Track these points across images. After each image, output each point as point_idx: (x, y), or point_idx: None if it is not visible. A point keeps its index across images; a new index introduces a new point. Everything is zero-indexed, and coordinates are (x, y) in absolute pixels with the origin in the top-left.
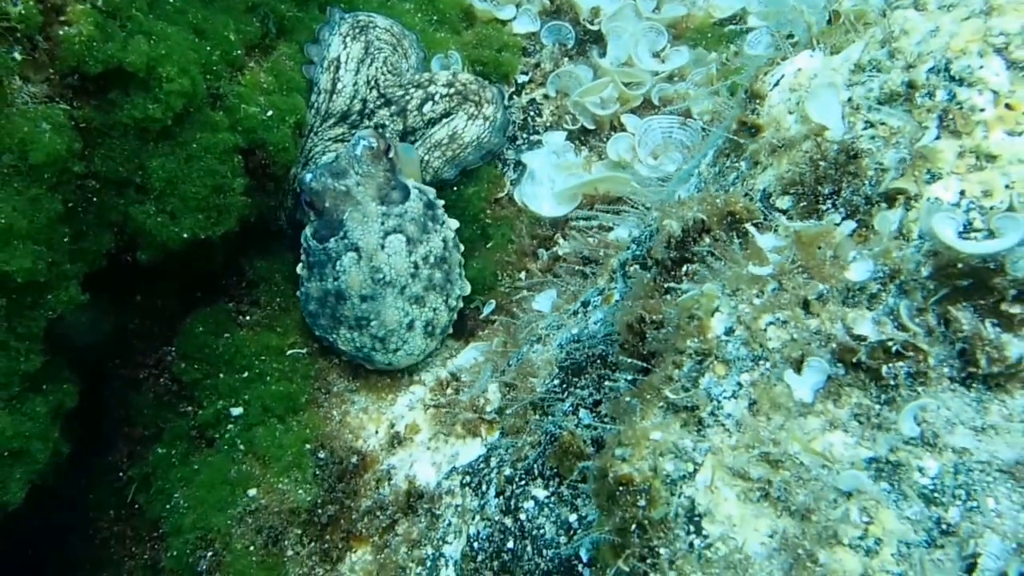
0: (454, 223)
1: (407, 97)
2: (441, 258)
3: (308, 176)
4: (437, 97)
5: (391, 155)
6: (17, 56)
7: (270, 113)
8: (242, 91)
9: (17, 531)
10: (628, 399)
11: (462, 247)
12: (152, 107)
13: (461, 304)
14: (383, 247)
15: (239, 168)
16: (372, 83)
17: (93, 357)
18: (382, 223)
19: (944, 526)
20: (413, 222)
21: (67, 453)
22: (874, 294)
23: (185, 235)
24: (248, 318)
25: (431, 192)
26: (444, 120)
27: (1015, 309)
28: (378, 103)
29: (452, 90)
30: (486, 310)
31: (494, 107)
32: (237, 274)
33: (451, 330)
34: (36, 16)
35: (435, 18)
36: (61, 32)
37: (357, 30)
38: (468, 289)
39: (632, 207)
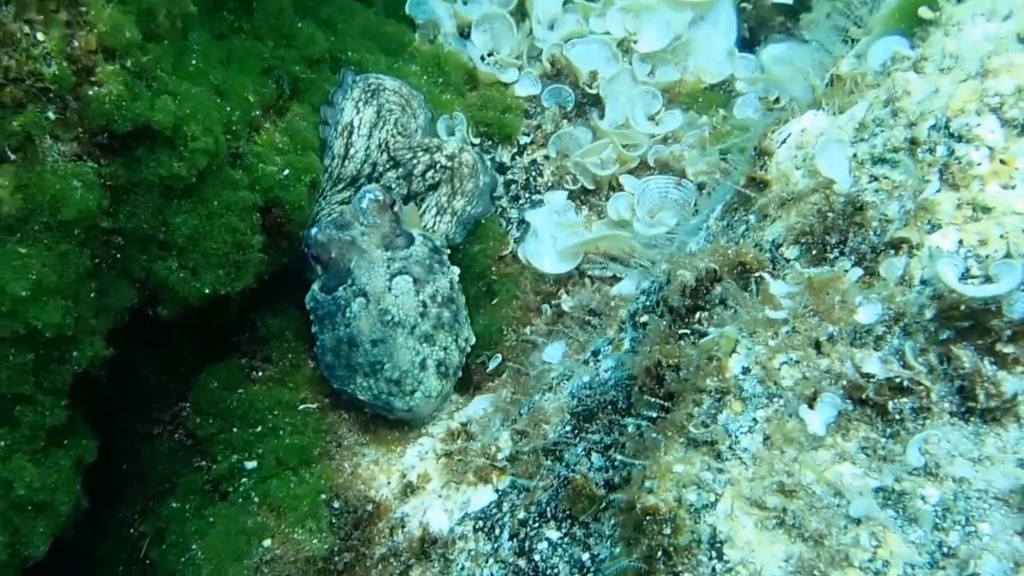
0: (456, 269)
1: (414, 160)
2: (449, 298)
3: (314, 230)
4: (438, 166)
5: (396, 208)
6: (51, 115)
7: (287, 172)
8: (260, 150)
9: None
10: (653, 435)
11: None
12: (177, 165)
13: (470, 348)
14: (390, 289)
15: (257, 225)
16: (383, 146)
17: (108, 412)
18: (388, 267)
19: (946, 549)
20: (419, 264)
21: (85, 508)
22: (880, 335)
23: (206, 290)
24: (261, 374)
25: (436, 239)
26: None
27: (1010, 349)
28: (387, 165)
29: (449, 163)
30: (492, 364)
31: (466, 202)
32: (250, 330)
33: (460, 374)
34: (69, 77)
35: (440, 80)
36: (91, 92)
37: (369, 94)
38: (473, 339)
39: (636, 263)
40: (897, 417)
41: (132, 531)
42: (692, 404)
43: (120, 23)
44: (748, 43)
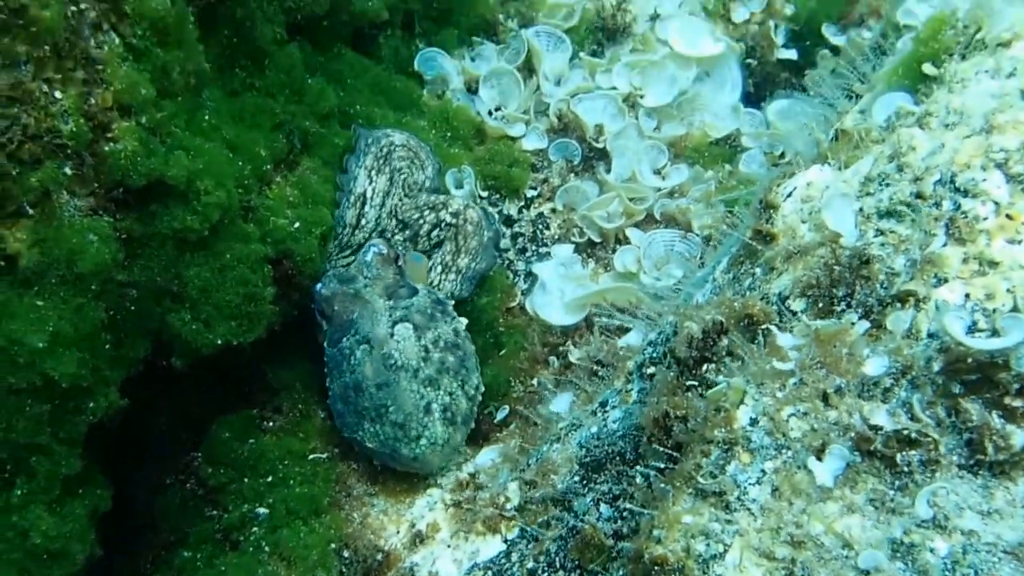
0: (464, 320)
1: (421, 220)
2: (453, 343)
3: (319, 286)
4: (443, 224)
5: (400, 262)
6: (68, 171)
7: (297, 225)
8: (271, 203)
9: None
10: (661, 485)
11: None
12: (190, 218)
13: (480, 396)
14: (392, 335)
15: (269, 277)
16: (393, 212)
17: (122, 461)
18: (390, 315)
19: None
20: (419, 312)
21: (100, 556)
22: (888, 388)
23: (218, 341)
24: (271, 424)
25: (441, 294)
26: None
27: (1018, 402)
28: (396, 229)
29: (453, 221)
30: (500, 415)
31: (470, 259)
32: (261, 381)
33: (473, 424)
34: (86, 133)
35: (448, 134)
36: (107, 148)
37: (381, 160)
38: (483, 387)
39: (643, 314)
40: (905, 469)
41: None
42: (700, 455)
43: (135, 81)
44: (753, 98)
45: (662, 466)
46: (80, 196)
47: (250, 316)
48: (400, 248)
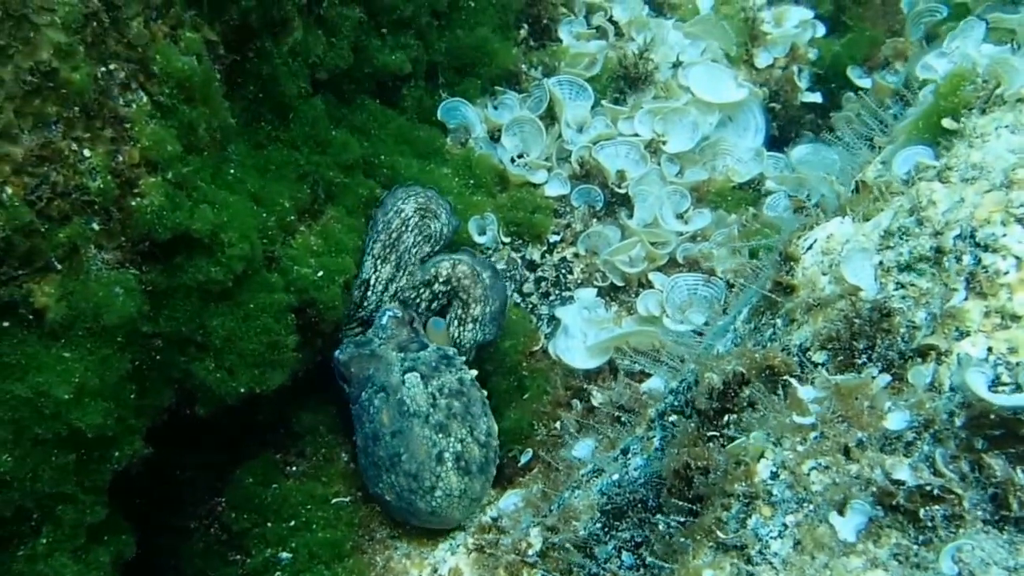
0: (472, 372)
1: (418, 299)
2: (457, 391)
3: (337, 352)
4: (440, 294)
5: (415, 324)
6: (95, 226)
7: (320, 273)
8: (295, 253)
9: None
10: (680, 539)
11: (484, 392)
12: (215, 270)
13: (495, 443)
14: (403, 383)
15: (292, 326)
16: (396, 293)
17: (145, 507)
18: (401, 364)
19: None
20: (425, 364)
21: None
22: (910, 442)
23: (241, 390)
24: (294, 468)
25: (452, 351)
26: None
27: None
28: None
29: (447, 287)
30: (523, 459)
31: (482, 305)
32: (284, 426)
33: (493, 472)
34: (112, 190)
35: (471, 182)
36: (134, 203)
37: (388, 249)
38: (495, 429)
39: (665, 360)
40: (929, 524)
41: None
42: (721, 508)
43: (162, 138)
44: (778, 142)
45: (682, 519)
46: (107, 250)
47: (273, 364)
48: (422, 316)
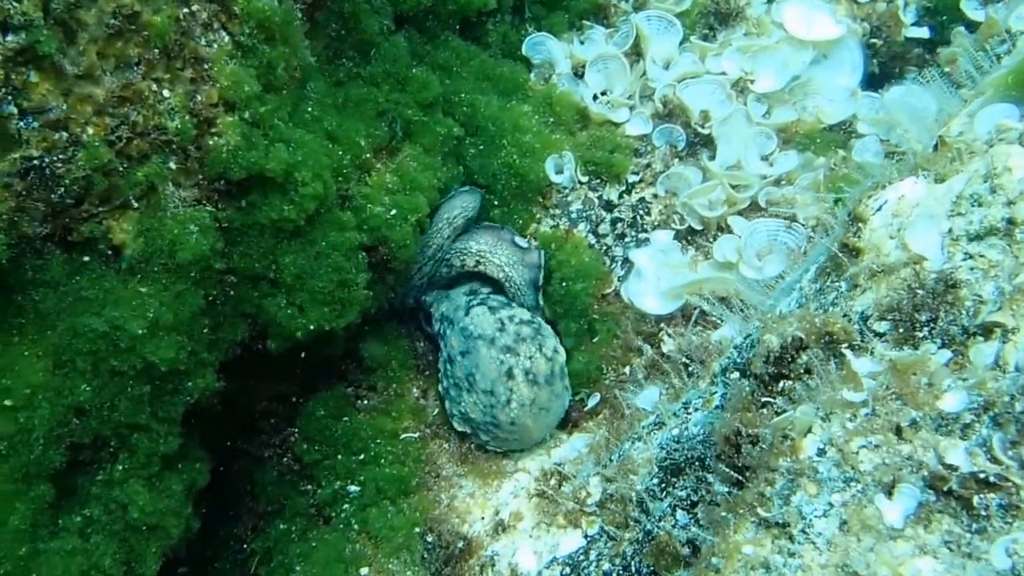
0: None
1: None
2: (527, 320)
3: (424, 296)
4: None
5: None
6: (172, 165)
7: (393, 212)
8: (369, 192)
9: None
10: (722, 513)
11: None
12: (287, 209)
13: (561, 359)
14: (467, 314)
15: (363, 264)
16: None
17: (224, 435)
18: (468, 302)
19: None
20: (495, 301)
21: (197, 528)
22: (968, 424)
23: (311, 327)
24: (365, 402)
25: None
26: None
27: None
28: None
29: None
30: (591, 402)
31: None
32: (356, 360)
33: (565, 383)
34: (190, 130)
35: (551, 120)
36: (211, 142)
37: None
38: (562, 350)
39: (738, 308)
40: (983, 513)
41: (245, 547)
42: (765, 483)
43: (240, 78)
44: (878, 79)
45: (728, 489)
46: (184, 187)
47: (343, 302)
48: None
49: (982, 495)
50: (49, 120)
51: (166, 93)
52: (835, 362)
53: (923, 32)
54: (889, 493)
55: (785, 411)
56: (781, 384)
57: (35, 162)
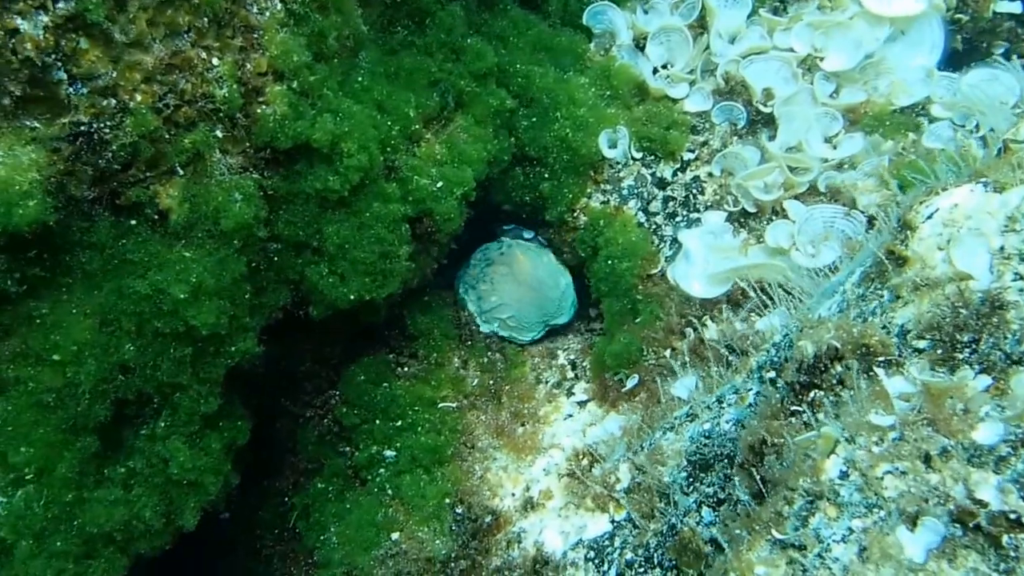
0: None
1: None
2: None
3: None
4: None
5: None
6: (219, 133)
7: (440, 184)
8: (416, 163)
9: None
10: (736, 531)
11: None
12: (332, 179)
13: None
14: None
15: (406, 236)
16: None
17: (268, 394)
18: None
19: None
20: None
21: (236, 484)
22: (1002, 457)
23: (352, 296)
24: (406, 369)
25: None
26: None
27: None
28: None
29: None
30: (629, 384)
31: None
32: (399, 327)
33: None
34: (237, 99)
35: (608, 93)
36: (259, 111)
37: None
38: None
39: (785, 299)
40: (1012, 554)
41: (286, 500)
42: (783, 502)
43: (290, 47)
44: (962, 57)
45: (748, 498)
46: (231, 155)
47: (384, 272)
48: None
49: (1011, 535)
50: (98, 87)
51: (215, 61)
52: (867, 379)
53: (1014, 7)
54: (913, 523)
55: (811, 424)
56: (812, 394)
57: (83, 128)
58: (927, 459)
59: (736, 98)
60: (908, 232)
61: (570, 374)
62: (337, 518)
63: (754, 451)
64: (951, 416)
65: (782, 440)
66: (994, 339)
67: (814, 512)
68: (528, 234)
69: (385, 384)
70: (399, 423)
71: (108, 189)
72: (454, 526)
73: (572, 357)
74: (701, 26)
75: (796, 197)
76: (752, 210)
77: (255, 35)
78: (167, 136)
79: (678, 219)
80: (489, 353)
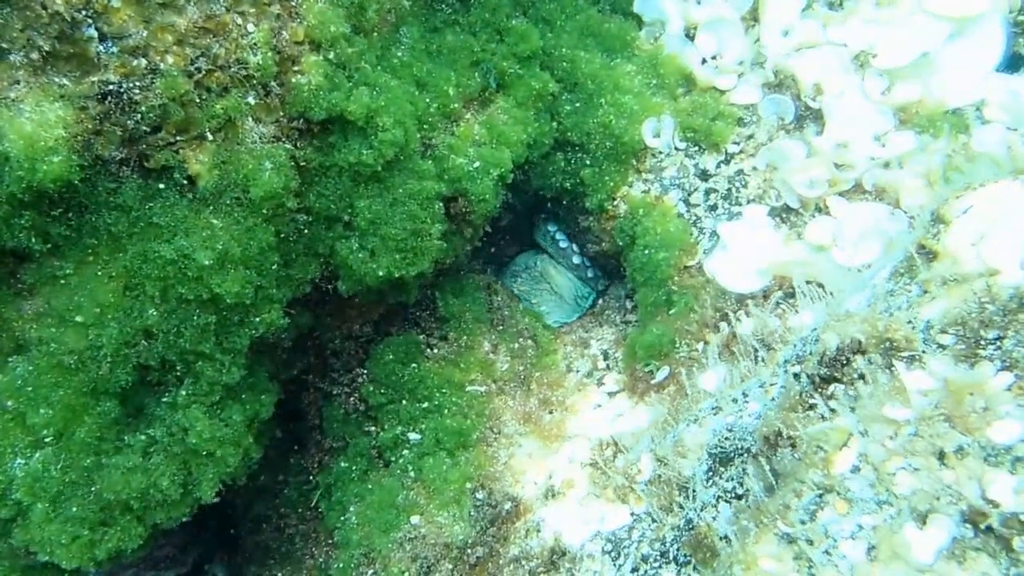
0: None
1: None
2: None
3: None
4: None
5: None
6: (251, 100)
7: (476, 165)
8: (453, 142)
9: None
10: (745, 522)
11: None
12: (366, 153)
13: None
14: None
15: (439, 215)
16: None
17: (297, 368)
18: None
19: None
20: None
21: (257, 458)
22: (1020, 457)
23: (380, 273)
24: (435, 351)
25: None
26: None
27: None
28: None
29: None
30: (659, 375)
31: None
32: (430, 308)
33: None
34: (271, 66)
35: (654, 82)
36: (294, 80)
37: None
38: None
39: (822, 295)
40: (1023, 559)
41: (311, 478)
42: (792, 495)
43: (328, 18)
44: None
45: (760, 490)
46: (264, 123)
47: (415, 250)
48: None
49: None
50: (128, 46)
51: (250, 27)
52: (887, 373)
53: None
54: (923, 521)
55: (826, 418)
56: (831, 388)
57: (112, 87)
58: (941, 456)
59: (785, 91)
60: (941, 226)
61: (602, 364)
62: (358, 498)
63: (769, 442)
64: (970, 413)
65: (797, 432)
66: (1019, 336)
67: (823, 506)
68: (564, 243)
69: (413, 364)
70: (425, 404)
71: (136, 151)
72: (473, 511)
73: (605, 347)
74: (753, 17)
75: (841, 195)
76: (795, 206)
77: (293, 3)
78: (198, 100)
79: (719, 212)
80: (520, 339)
